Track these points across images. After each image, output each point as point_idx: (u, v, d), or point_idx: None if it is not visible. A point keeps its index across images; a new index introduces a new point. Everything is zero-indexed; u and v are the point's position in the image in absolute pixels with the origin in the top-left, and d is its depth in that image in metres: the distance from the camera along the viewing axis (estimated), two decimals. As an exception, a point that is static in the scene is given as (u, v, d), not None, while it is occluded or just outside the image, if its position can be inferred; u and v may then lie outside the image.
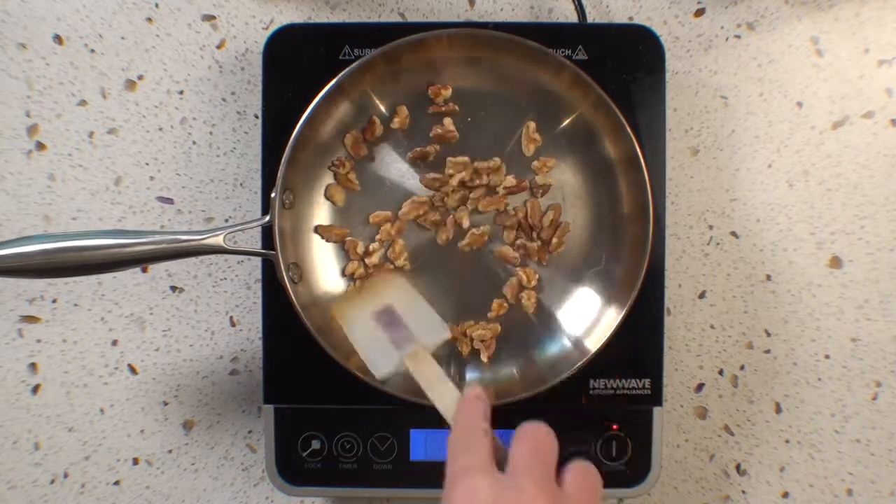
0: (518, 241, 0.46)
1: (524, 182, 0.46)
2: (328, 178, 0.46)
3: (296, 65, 0.45)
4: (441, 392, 0.37)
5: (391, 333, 0.41)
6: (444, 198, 0.46)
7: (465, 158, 0.46)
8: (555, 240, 0.46)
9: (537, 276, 0.46)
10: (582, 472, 0.33)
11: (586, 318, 0.46)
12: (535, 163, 0.46)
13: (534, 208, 0.46)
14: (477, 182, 0.46)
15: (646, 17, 0.49)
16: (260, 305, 0.46)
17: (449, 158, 0.46)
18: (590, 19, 0.49)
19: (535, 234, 0.46)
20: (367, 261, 0.46)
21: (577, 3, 0.47)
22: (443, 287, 0.46)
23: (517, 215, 0.46)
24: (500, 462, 0.33)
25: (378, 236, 0.46)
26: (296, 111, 0.43)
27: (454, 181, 0.45)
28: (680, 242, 0.50)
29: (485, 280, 0.46)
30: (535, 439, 0.33)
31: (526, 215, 0.46)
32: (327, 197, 0.46)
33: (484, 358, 0.46)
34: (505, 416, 0.45)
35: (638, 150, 0.43)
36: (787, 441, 0.50)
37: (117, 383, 0.50)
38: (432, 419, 0.45)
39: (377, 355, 0.40)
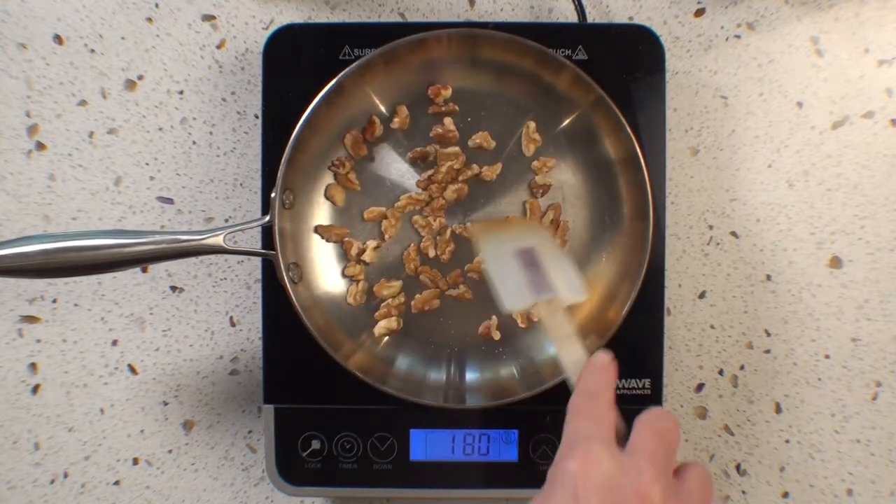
0: None
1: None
2: (328, 178, 0.46)
3: (296, 65, 0.45)
4: (569, 349, 0.35)
5: (530, 275, 0.39)
6: (440, 193, 0.46)
7: (457, 149, 0.46)
8: (556, 240, 0.46)
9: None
10: (702, 474, 0.32)
11: (587, 318, 0.46)
12: (535, 163, 0.46)
13: (533, 209, 0.46)
14: (469, 173, 0.46)
15: (646, 17, 0.49)
16: (260, 305, 0.46)
17: (440, 150, 0.46)
18: (590, 19, 0.49)
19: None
20: (363, 258, 0.46)
21: (577, 3, 0.47)
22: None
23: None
24: (619, 440, 0.32)
25: (383, 230, 0.46)
26: (296, 111, 0.43)
27: (443, 169, 0.45)
28: (680, 242, 0.50)
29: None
30: (661, 426, 0.32)
31: (525, 216, 0.46)
32: (327, 197, 0.46)
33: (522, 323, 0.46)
34: (505, 416, 0.46)
35: (638, 150, 0.43)
36: (787, 441, 0.50)
37: (117, 383, 0.50)
38: (432, 419, 0.45)
39: (512, 289, 0.39)
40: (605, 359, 0.34)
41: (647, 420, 0.32)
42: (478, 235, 0.43)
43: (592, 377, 0.34)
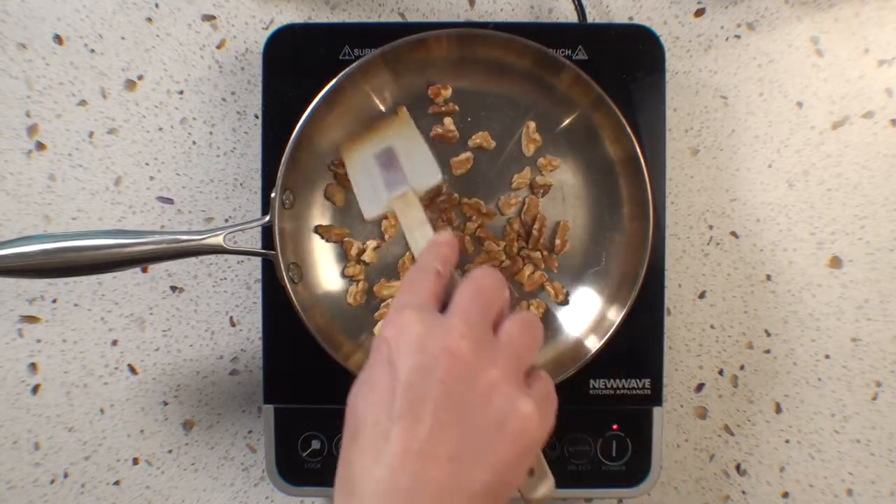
0: (521, 253, 0.46)
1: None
2: (328, 178, 0.46)
3: (296, 65, 0.45)
4: (418, 236, 0.37)
5: (386, 174, 0.40)
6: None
7: (469, 154, 0.46)
8: (558, 241, 0.46)
9: (564, 289, 0.46)
10: (520, 323, 0.32)
11: (586, 318, 0.46)
12: (540, 159, 0.46)
13: (531, 205, 0.46)
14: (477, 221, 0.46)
15: (646, 17, 0.49)
16: (260, 305, 0.46)
17: (453, 159, 0.46)
18: (590, 19, 0.49)
19: (534, 235, 0.46)
20: (363, 258, 0.46)
21: (577, 3, 0.47)
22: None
23: (514, 227, 0.46)
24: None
25: (383, 230, 0.46)
26: (296, 111, 0.43)
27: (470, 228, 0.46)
28: (680, 242, 0.50)
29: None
30: (479, 285, 0.33)
31: (521, 211, 0.46)
32: (327, 197, 0.46)
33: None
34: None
35: (638, 150, 0.43)
36: (787, 441, 0.50)
37: (117, 383, 0.50)
38: (432, 419, 0.45)
39: (369, 196, 0.40)
40: (445, 236, 0.35)
41: (468, 279, 0.33)
42: (344, 154, 0.43)
43: (429, 253, 0.35)
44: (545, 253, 0.46)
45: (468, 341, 0.30)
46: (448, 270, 0.34)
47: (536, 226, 0.46)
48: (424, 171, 0.40)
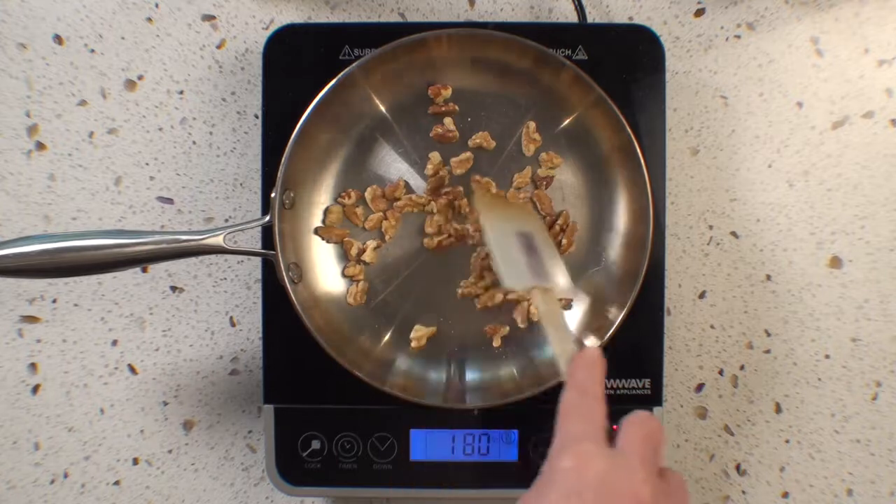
0: None
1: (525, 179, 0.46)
2: (328, 178, 0.46)
3: (296, 65, 0.45)
4: (561, 338, 0.36)
5: (529, 258, 0.40)
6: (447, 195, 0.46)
7: (469, 154, 0.46)
8: (564, 241, 0.46)
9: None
10: (681, 478, 0.34)
11: (586, 318, 0.46)
12: (542, 154, 0.46)
13: (541, 199, 0.46)
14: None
15: (646, 17, 0.49)
16: (260, 305, 0.46)
17: (452, 159, 0.46)
18: (590, 19, 0.49)
19: (556, 227, 0.46)
20: (363, 258, 0.46)
21: (577, 3, 0.47)
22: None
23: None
24: (608, 438, 0.33)
25: (384, 230, 0.46)
26: (296, 111, 0.43)
27: (457, 170, 0.46)
28: (680, 242, 0.50)
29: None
30: (648, 428, 0.33)
31: (536, 208, 0.46)
32: (325, 221, 0.46)
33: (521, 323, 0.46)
34: (505, 416, 0.45)
35: (638, 150, 0.43)
36: (787, 441, 0.50)
37: (117, 383, 0.50)
38: (432, 419, 0.45)
39: (513, 269, 0.40)
40: (594, 354, 0.35)
41: (634, 422, 0.33)
42: (481, 208, 0.44)
43: (583, 372, 0.34)
44: None
45: (649, 487, 0.31)
46: (604, 394, 0.34)
47: (560, 221, 0.46)
48: (563, 280, 0.40)
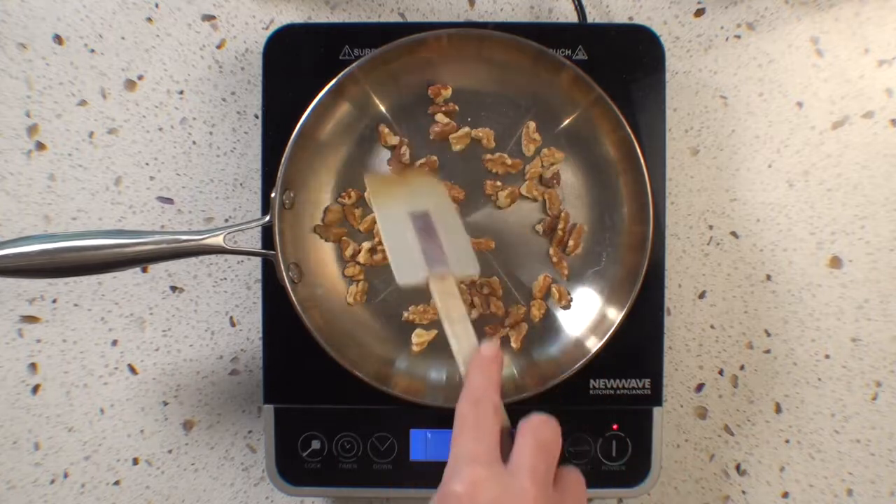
0: (553, 252, 0.46)
1: (518, 161, 0.46)
2: (328, 178, 0.46)
3: (296, 65, 0.45)
4: (459, 332, 0.35)
5: (424, 243, 0.38)
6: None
7: (467, 129, 0.46)
8: (571, 242, 0.46)
9: (569, 295, 0.46)
10: (576, 479, 0.34)
11: (586, 318, 0.46)
12: (544, 150, 0.46)
13: (552, 198, 0.46)
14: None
15: (646, 17, 0.49)
16: (260, 305, 0.46)
17: (451, 135, 0.46)
18: (590, 19, 0.49)
19: (558, 235, 0.46)
20: (358, 259, 0.46)
21: (577, 3, 0.47)
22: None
23: (550, 214, 0.46)
24: (503, 445, 0.33)
25: (375, 234, 0.46)
26: (296, 111, 0.43)
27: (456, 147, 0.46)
28: (680, 242, 0.50)
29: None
30: (542, 436, 0.33)
31: (545, 207, 0.46)
32: (318, 233, 0.46)
33: (515, 344, 0.46)
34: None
35: (638, 150, 0.43)
36: (787, 441, 0.50)
37: (117, 383, 0.50)
38: (432, 419, 0.45)
39: (404, 261, 0.37)
40: (492, 350, 0.35)
41: (527, 429, 0.33)
42: (371, 190, 0.41)
43: (479, 376, 0.34)
44: (560, 255, 0.46)
45: (541, 503, 0.31)
46: (500, 397, 0.34)
47: (560, 224, 0.46)
48: (464, 259, 0.38)
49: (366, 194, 0.45)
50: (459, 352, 0.35)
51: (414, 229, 0.39)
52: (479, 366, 0.34)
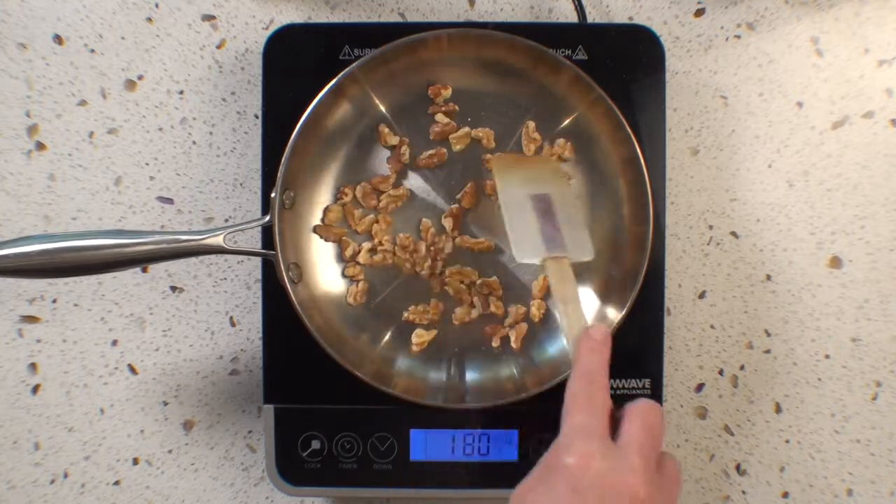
0: None
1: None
2: (328, 178, 0.46)
3: (296, 65, 0.45)
4: (571, 312, 0.36)
5: (543, 224, 0.39)
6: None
7: (467, 129, 0.46)
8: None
9: None
10: (676, 465, 0.35)
11: (586, 318, 0.45)
12: (559, 140, 0.46)
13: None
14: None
15: (646, 17, 0.49)
16: (260, 305, 0.46)
17: (451, 135, 0.46)
18: (590, 19, 0.49)
19: None
20: (358, 260, 0.46)
21: (577, 3, 0.47)
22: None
23: None
24: (611, 422, 0.34)
25: (373, 234, 0.46)
26: (296, 111, 0.43)
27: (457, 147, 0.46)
28: (680, 242, 0.50)
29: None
30: (649, 419, 0.34)
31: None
32: (324, 221, 0.46)
33: (516, 345, 0.46)
34: (505, 417, 0.45)
35: (638, 150, 0.43)
36: (787, 441, 0.50)
37: (117, 383, 0.50)
38: (432, 419, 0.45)
39: (524, 238, 0.39)
40: (603, 332, 0.36)
41: (637, 412, 0.34)
42: (496, 170, 0.43)
43: (591, 356, 0.35)
44: None
45: (647, 485, 0.32)
46: (608, 380, 0.35)
47: None
48: (581, 243, 0.39)
49: (492, 171, 0.44)
50: (570, 331, 0.36)
51: (534, 210, 0.40)
52: (591, 347, 0.35)
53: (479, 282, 0.46)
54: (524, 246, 0.39)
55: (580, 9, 0.47)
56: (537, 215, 0.40)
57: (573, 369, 0.35)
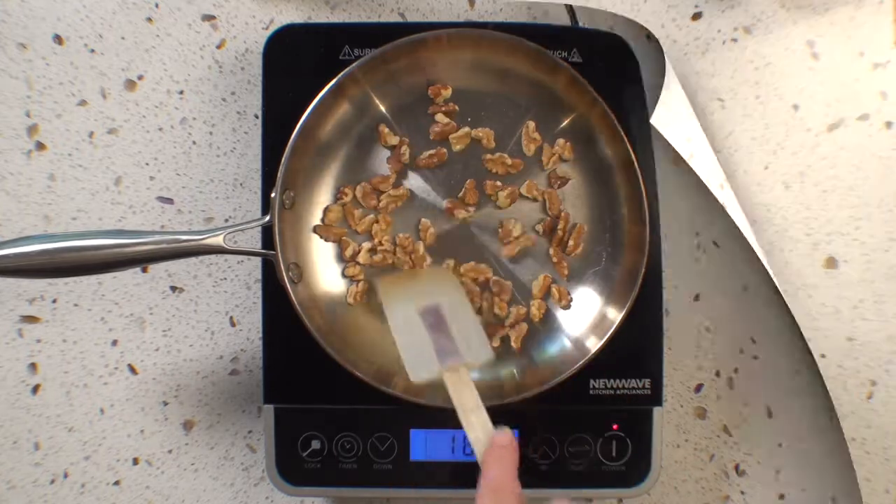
0: (554, 252, 0.46)
1: (518, 160, 0.46)
2: (328, 178, 0.46)
3: (296, 65, 0.46)
4: (475, 421, 0.36)
5: (435, 338, 0.39)
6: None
7: (467, 129, 0.46)
8: (571, 242, 0.46)
9: (570, 296, 0.46)
10: None
11: (586, 318, 0.46)
12: (559, 140, 0.46)
13: (552, 198, 0.46)
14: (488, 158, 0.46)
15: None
16: (260, 305, 0.46)
17: (451, 135, 0.46)
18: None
19: (558, 234, 0.46)
20: (358, 259, 0.46)
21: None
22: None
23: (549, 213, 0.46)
24: None
25: (373, 234, 0.46)
26: (296, 111, 0.43)
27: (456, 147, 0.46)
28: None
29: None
30: None
31: (545, 207, 0.46)
32: (324, 221, 0.46)
33: (516, 345, 0.46)
34: (505, 416, 0.45)
35: (632, 153, 0.43)
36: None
37: (117, 383, 0.50)
38: (432, 419, 0.45)
39: (417, 358, 0.39)
40: (508, 437, 0.35)
41: None
42: (382, 291, 0.43)
43: (497, 466, 0.35)
44: (560, 255, 0.46)
45: None
46: (518, 483, 0.34)
47: (560, 224, 0.46)
48: (476, 346, 0.39)
49: (379, 292, 0.44)
50: (476, 441, 0.36)
51: (424, 326, 0.40)
52: (497, 456, 0.35)
53: (493, 279, 0.46)
54: (418, 365, 0.39)
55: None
56: (428, 330, 0.40)
57: (480, 480, 0.35)
